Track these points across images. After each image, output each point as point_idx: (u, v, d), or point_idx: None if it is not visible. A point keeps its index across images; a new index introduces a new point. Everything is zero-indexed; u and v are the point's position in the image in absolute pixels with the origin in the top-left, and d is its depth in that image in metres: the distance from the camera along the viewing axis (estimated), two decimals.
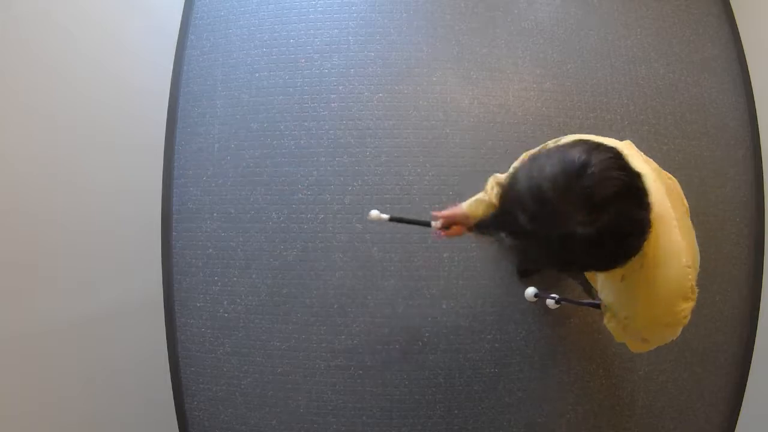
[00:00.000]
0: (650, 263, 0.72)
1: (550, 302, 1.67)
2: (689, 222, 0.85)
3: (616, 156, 0.62)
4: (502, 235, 0.70)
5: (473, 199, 1.19)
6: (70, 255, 1.32)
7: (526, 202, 0.61)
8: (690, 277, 0.74)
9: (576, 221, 0.58)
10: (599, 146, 0.62)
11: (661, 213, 0.73)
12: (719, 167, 1.91)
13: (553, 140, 0.88)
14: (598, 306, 1.26)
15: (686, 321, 0.77)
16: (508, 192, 0.66)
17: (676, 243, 0.74)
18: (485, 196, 1.14)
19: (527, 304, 1.79)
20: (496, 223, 0.70)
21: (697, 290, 0.76)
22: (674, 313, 0.76)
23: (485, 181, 1.16)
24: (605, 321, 1.10)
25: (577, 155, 0.60)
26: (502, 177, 1.08)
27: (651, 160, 0.86)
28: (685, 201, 0.89)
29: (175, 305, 1.83)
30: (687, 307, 0.75)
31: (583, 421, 1.79)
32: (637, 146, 0.92)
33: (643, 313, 0.80)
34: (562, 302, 1.64)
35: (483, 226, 0.99)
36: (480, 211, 1.16)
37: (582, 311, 1.80)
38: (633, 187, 0.60)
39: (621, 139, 0.87)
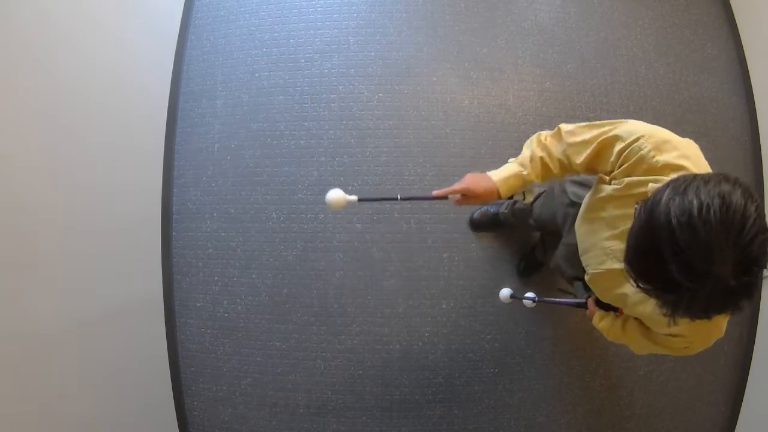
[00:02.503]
0: None
1: (527, 302, 1.56)
2: None
3: (760, 203, 0.60)
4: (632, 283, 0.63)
5: (509, 171, 1.03)
6: (70, 255, 1.32)
7: (685, 249, 0.56)
8: None
9: (730, 273, 0.56)
10: (748, 189, 0.60)
11: None
12: (719, 167, 1.89)
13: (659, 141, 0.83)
14: (582, 305, 1.22)
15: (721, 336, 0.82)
16: (652, 229, 0.59)
17: None
18: (523, 169, 1.01)
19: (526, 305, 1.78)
20: (632, 265, 0.63)
21: None
22: (722, 329, 0.81)
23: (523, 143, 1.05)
24: (595, 320, 1.10)
25: (738, 201, 0.57)
26: (549, 140, 0.99)
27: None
28: None
29: (175, 305, 1.83)
30: (725, 323, 0.80)
31: (583, 421, 1.79)
32: None
33: (704, 335, 0.83)
34: (541, 302, 1.53)
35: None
36: (517, 187, 1.04)
37: (582, 311, 1.79)
38: None
39: None
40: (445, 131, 1.87)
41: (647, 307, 0.88)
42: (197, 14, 1.99)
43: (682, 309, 0.61)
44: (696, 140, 0.90)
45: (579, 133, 0.96)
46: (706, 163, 0.83)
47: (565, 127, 1.00)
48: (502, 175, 1.03)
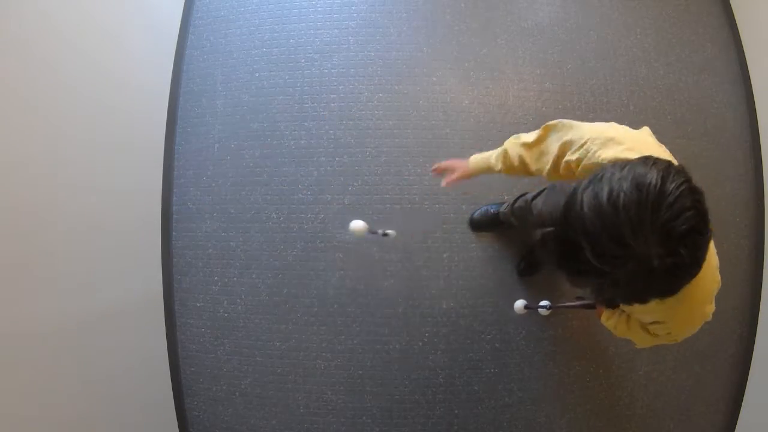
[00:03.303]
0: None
1: (542, 311, 1.63)
2: None
3: (688, 179, 0.59)
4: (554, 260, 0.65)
5: (482, 154, 1.13)
6: (70, 255, 1.32)
7: (595, 235, 0.56)
8: (718, 278, 0.77)
9: (654, 253, 0.55)
10: (671, 168, 0.59)
11: None
12: (719, 167, 1.91)
13: (592, 131, 0.84)
14: (592, 306, 1.25)
15: (710, 317, 0.80)
16: (569, 219, 0.60)
17: (712, 250, 0.73)
18: (497, 162, 1.06)
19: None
20: (558, 257, 0.63)
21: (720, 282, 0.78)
22: (705, 314, 0.79)
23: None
24: (603, 319, 1.11)
25: (653, 180, 0.56)
26: (529, 139, 0.99)
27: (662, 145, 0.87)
28: None
29: (175, 305, 1.83)
30: (713, 306, 0.78)
31: (583, 421, 1.79)
32: None
33: (681, 320, 0.82)
34: (555, 308, 1.61)
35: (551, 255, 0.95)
36: (482, 168, 1.13)
37: (583, 312, 1.79)
38: (703, 213, 0.58)
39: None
40: (445, 131, 1.87)
41: (648, 313, 0.88)
42: (197, 14, 1.99)
43: (607, 293, 0.61)
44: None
45: (537, 143, 0.98)
46: (660, 149, 0.80)
47: (526, 138, 1.01)
48: (476, 155, 1.14)
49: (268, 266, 1.82)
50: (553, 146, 0.91)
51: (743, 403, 1.84)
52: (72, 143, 1.33)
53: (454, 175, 1.19)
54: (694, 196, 0.57)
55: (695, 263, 0.58)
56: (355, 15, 1.94)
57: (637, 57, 1.97)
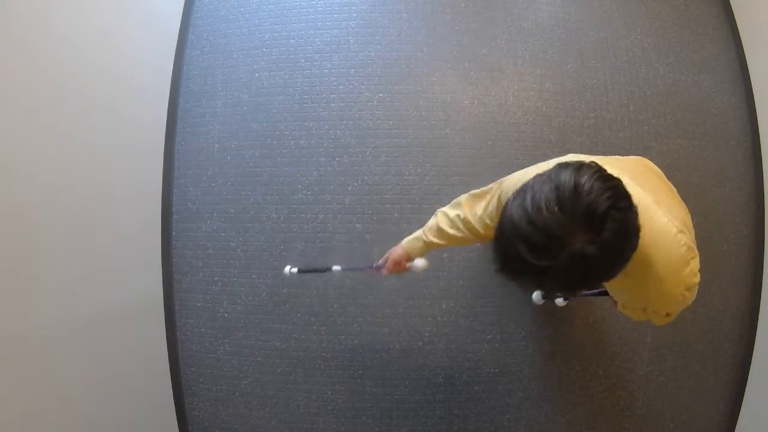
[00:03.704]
0: (642, 252, 0.73)
1: (559, 301, 1.69)
2: (667, 184, 0.89)
3: (599, 169, 0.64)
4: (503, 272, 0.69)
5: (413, 235, 1.23)
6: (70, 255, 1.32)
7: (525, 235, 0.61)
8: (683, 242, 0.77)
9: (582, 240, 0.60)
10: (582, 164, 0.65)
11: (637, 202, 0.75)
12: (719, 167, 1.91)
13: (517, 174, 0.93)
14: (606, 293, 1.27)
15: (698, 279, 0.80)
16: (503, 229, 0.65)
17: (659, 222, 0.76)
18: (423, 235, 1.18)
19: (527, 304, 1.79)
20: (499, 263, 0.69)
21: (695, 248, 0.79)
22: (683, 280, 0.79)
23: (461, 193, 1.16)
24: (619, 308, 1.11)
25: (566, 178, 0.62)
26: (471, 210, 1.10)
27: (622, 157, 0.92)
28: (655, 167, 0.96)
29: (175, 305, 1.83)
30: (692, 268, 0.78)
31: (583, 421, 1.79)
32: (636, 146, 0.93)
33: (657, 296, 0.83)
34: (571, 297, 1.65)
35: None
36: (418, 248, 1.21)
37: (583, 311, 1.80)
38: (622, 194, 0.63)
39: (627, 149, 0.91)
40: (445, 131, 1.87)
41: (619, 295, 0.96)
42: (197, 14, 1.99)
43: (549, 285, 0.67)
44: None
45: (476, 202, 1.07)
46: (579, 156, 0.85)
47: (466, 209, 1.10)
48: (408, 238, 1.24)
49: (268, 266, 1.81)
50: (486, 202, 1.05)
51: (743, 403, 1.84)
52: (72, 143, 1.33)
53: (389, 264, 1.26)
54: (607, 182, 0.63)
55: (623, 237, 0.62)
56: (355, 15, 1.94)
57: (637, 57, 1.97)
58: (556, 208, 0.60)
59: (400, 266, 1.25)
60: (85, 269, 1.39)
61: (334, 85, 1.89)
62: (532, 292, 1.78)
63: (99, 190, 1.46)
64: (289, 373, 1.78)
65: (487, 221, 1.05)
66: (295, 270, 1.31)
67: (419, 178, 1.83)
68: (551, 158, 0.91)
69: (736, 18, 2.06)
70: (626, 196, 0.64)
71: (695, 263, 0.79)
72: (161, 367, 1.78)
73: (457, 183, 1.83)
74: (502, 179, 1.00)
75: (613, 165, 0.81)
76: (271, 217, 1.84)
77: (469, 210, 1.09)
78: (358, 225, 1.81)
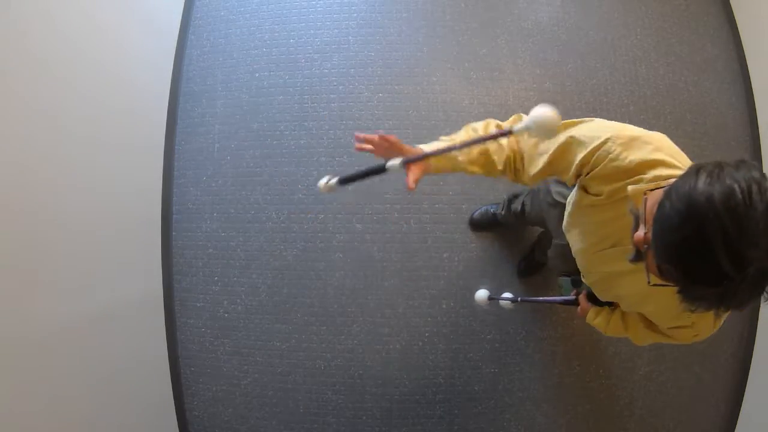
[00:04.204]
0: None
1: (504, 303, 1.53)
2: None
3: None
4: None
5: (440, 146, 0.96)
6: (70, 255, 1.32)
7: (732, 238, 0.51)
8: None
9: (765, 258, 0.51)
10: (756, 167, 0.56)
11: None
12: None
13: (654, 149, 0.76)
14: (572, 302, 1.17)
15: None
16: (694, 220, 0.53)
17: None
18: (458, 153, 0.92)
19: (527, 304, 1.79)
20: (671, 262, 0.56)
21: None
22: (717, 324, 0.78)
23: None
24: (589, 318, 1.07)
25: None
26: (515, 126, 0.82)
27: None
28: None
29: (175, 305, 1.83)
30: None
31: (583, 421, 1.79)
32: None
33: (707, 323, 0.80)
34: (524, 302, 1.50)
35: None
36: (448, 166, 0.95)
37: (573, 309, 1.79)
38: None
39: None
40: (445, 131, 1.85)
41: (649, 304, 0.86)
42: (197, 14, 1.99)
43: (726, 302, 0.56)
44: (696, 140, 0.90)
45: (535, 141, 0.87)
46: (681, 153, 0.77)
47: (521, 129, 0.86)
48: (435, 147, 0.94)
49: (268, 266, 1.82)
50: (550, 144, 0.84)
51: (743, 403, 1.84)
52: (72, 143, 1.33)
53: (415, 174, 0.96)
54: None
55: None
56: (355, 15, 1.94)
57: (637, 57, 1.97)
58: (764, 212, 0.51)
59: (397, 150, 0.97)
60: (85, 269, 1.39)
61: (334, 85, 1.89)
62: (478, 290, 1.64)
63: (99, 190, 1.46)
64: (289, 373, 1.78)
65: (528, 156, 0.87)
66: (334, 181, 0.96)
67: None
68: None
69: (736, 18, 2.06)
70: None
71: None
72: (161, 367, 1.78)
73: (457, 183, 1.83)
74: (574, 120, 0.84)
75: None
76: (271, 217, 1.84)
77: (513, 142, 0.90)
78: (358, 225, 1.81)
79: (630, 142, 0.75)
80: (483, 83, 1.90)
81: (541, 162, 0.86)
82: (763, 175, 0.54)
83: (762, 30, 1.95)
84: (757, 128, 1.95)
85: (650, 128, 0.83)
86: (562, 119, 0.80)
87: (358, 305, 1.79)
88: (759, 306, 1.93)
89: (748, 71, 1.99)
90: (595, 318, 1.06)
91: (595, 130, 0.80)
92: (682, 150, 0.81)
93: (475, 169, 0.94)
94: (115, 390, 1.48)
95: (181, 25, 1.96)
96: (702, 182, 0.54)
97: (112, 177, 1.53)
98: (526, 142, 0.90)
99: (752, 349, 1.85)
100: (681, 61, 1.98)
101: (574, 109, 1.90)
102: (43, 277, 1.21)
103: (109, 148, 1.50)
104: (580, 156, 0.79)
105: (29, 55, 1.16)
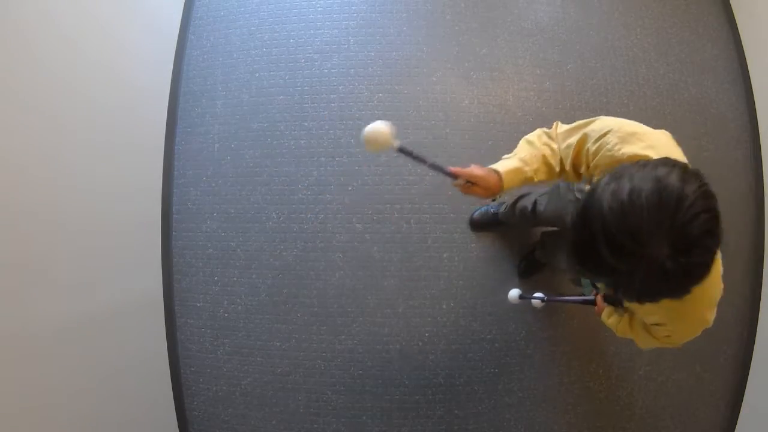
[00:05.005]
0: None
1: (535, 302, 1.59)
2: None
3: (705, 183, 0.60)
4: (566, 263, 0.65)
5: (511, 166, 0.99)
6: (70, 255, 1.32)
7: (610, 226, 0.57)
8: (721, 285, 0.77)
9: (666, 255, 0.56)
10: (688, 171, 0.60)
11: None
12: (719, 167, 1.91)
13: (599, 125, 0.84)
14: (591, 302, 1.23)
15: (711, 324, 0.80)
16: (586, 213, 0.60)
17: (717, 255, 0.72)
18: (524, 165, 0.97)
19: (527, 304, 1.78)
20: (571, 250, 0.63)
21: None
22: (707, 320, 0.79)
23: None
24: (603, 317, 1.10)
25: (673, 183, 0.57)
26: (557, 133, 0.96)
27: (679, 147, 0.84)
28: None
29: (175, 305, 1.83)
30: (714, 310, 0.79)
31: (583, 421, 1.79)
32: None
33: (684, 325, 0.82)
34: (551, 301, 1.56)
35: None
36: (517, 182, 1.00)
37: (583, 311, 1.79)
38: (719, 219, 0.59)
39: None
40: (445, 131, 1.87)
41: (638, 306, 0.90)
42: (197, 14, 1.99)
43: (620, 291, 0.62)
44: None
45: (568, 136, 0.94)
46: (677, 151, 0.79)
47: (560, 127, 0.99)
48: (506, 167, 1.00)
49: (268, 266, 1.81)
50: (572, 141, 0.91)
51: (743, 403, 1.84)
52: (72, 143, 1.33)
53: (481, 191, 1.07)
54: (709, 200, 0.58)
55: (706, 265, 0.59)
56: (355, 15, 1.94)
57: (637, 57, 1.97)
58: (654, 213, 0.56)
59: (480, 191, 1.05)
60: (85, 269, 1.39)
61: (334, 85, 1.89)
62: (509, 290, 1.68)
63: (99, 190, 1.46)
64: (289, 373, 1.78)
65: (563, 154, 0.94)
66: (397, 143, 0.97)
67: (419, 178, 1.83)
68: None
69: (736, 18, 2.06)
70: (719, 221, 0.59)
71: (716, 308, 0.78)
72: (161, 367, 1.78)
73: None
74: (593, 118, 0.90)
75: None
76: (271, 217, 1.84)
77: (556, 138, 0.98)
78: (358, 225, 1.81)
79: (627, 137, 0.79)
80: (483, 83, 1.90)
81: (569, 158, 0.93)
82: (675, 170, 0.58)
83: (762, 30, 1.95)
84: (757, 128, 1.95)
85: (650, 128, 0.84)
86: (564, 121, 0.90)
87: (358, 305, 1.79)
88: (759, 306, 1.93)
89: (748, 71, 1.99)
90: (609, 318, 1.10)
91: (603, 125, 0.85)
92: (682, 150, 0.82)
93: (541, 176, 1.00)
94: (115, 390, 1.48)
95: (181, 25, 1.96)
96: (603, 182, 0.60)
97: (112, 177, 1.53)
98: (560, 144, 0.96)
99: (752, 349, 1.85)
100: (681, 61, 1.98)
101: (573, 109, 1.90)
102: (43, 277, 1.21)
103: (109, 148, 1.50)
104: (588, 147, 0.86)
105: (29, 55, 1.16)
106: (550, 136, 1.00)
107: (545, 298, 1.55)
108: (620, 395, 1.81)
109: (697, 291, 0.66)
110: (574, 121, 0.94)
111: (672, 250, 0.56)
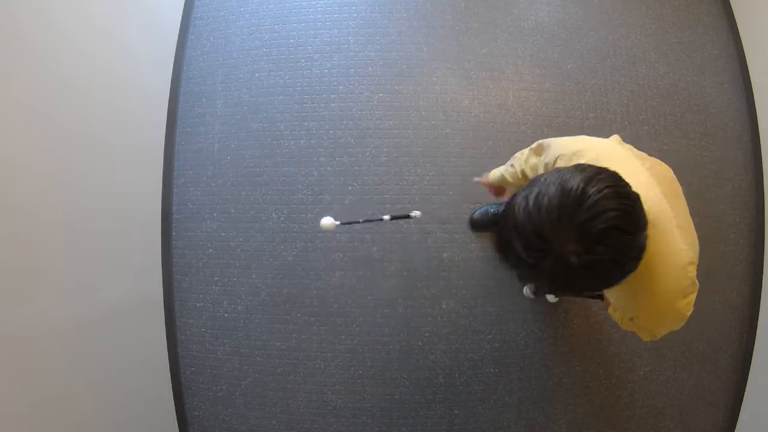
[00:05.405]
0: (645, 271, 0.73)
1: (550, 297, 1.67)
2: (684, 204, 0.85)
3: (615, 184, 0.63)
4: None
5: (499, 172, 1.21)
6: (70, 255, 1.32)
7: (521, 230, 0.63)
8: (690, 274, 0.76)
9: (570, 251, 0.61)
10: (598, 174, 0.64)
11: (658, 219, 0.74)
12: (719, 167, 1.91)
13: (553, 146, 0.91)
14: (600, 297, 1.27)
15: (690, 312, 0.80)
16: (506, 216, 0.67)
17: (675, 246, 0.74)
18: (512, 170, 1.14)
19: (527, 304, 1.79)
20: (497, 246, 0.71)
21: (697, 282, 0.78)
22: (676, 310, 0.78)
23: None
24: (610, 310, 1.11)
25: (575, 185, 0.61)
26: (521, 158, 1.08)
27: (641, 152, 0.88)
28: (676, 180, 0.91)
29: (175, 305, 1.83)
30: (688, 300, 0.78)
31: (583, 421, 1.79)
32: (636, 146, 0.92)
33: (647, 314, 0.83)
34: (563, 296, 1.65)
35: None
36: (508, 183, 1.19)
37: (583, 311, 1.80)
38: (630, 216, 0.62)
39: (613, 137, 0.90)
40: (445, 131, 1.87)
41: (613, 298, 0.95)
42: (197, 14, 1.99)
43: (533, 280, 0.72)
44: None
45: (530, 156, 1.03)
46: (628, 159, 0.82)
47: (520, 155, 1.09)
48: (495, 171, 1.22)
49: (268, 266, 1.81)
50: (539, 166, 0.98)
51: (743, 403, 1.84)
52: (72, 143, 1.33)
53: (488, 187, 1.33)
54: (619, 199, 0.61)
55: (620, 260, 0.62)
56: (355, 15, 1.94)
57: (637, 57, 1.97)
58: (554, 213, 0.61)
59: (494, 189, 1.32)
60: (85, 269, 1.39)
61: (334, 85, 1.89)
62: (523, 286, 1.79)
63: (99, 190, 1.46)
64: (289, 373, 1.78)
65: (528, 173, 1.05)
66: (337, 222, 1.10)
67: (419, 178, 1.83)
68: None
69: (736, 18, 2.06)
70: (637, 219, 0.63)
71: (693, 297, 0.78)
72: (161, 367, 1.78)
73: (458, 183, 1.83)
74: (550, 142, 0.97)
75: (651, 170, 0.80)
76: (271, 217, 1.84)
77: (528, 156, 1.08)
78: (358, 225, 1.81)
79: (571, 157, 0.84)
80: (483, 83, 1.90)
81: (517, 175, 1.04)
82: (579, 173, 0.63)
83: (762, 30, 1.95)
84: (757, 128, 1.95)
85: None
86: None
87: (358, 305, 1.79)
88: (759, 306, 1.93)
89: (748, 71, 1.99)
90: (615, 312, 1.11)
91: (555, 149, 0.91)
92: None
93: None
94: (115, 390, 1.48)
95: (181, 25, 1.96)
96: (520, 189, 0.67)
97: (112, 177, 1.53)
98: (527, 165, 1.05)
99: (752, 349, 1.85)
100: (681, 61, 1.98)
101: (573, 109, 1.90)
102: (43, 277, 1.21)
103: (108, 148, 1.50)
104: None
105: (29, 55, 1.16)
106: (527, 153, 1.09)
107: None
108: (620, 395, 1.81)
109: (653, 282, 0.75)
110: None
111: (575, 246, 0.60)
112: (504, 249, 0.69)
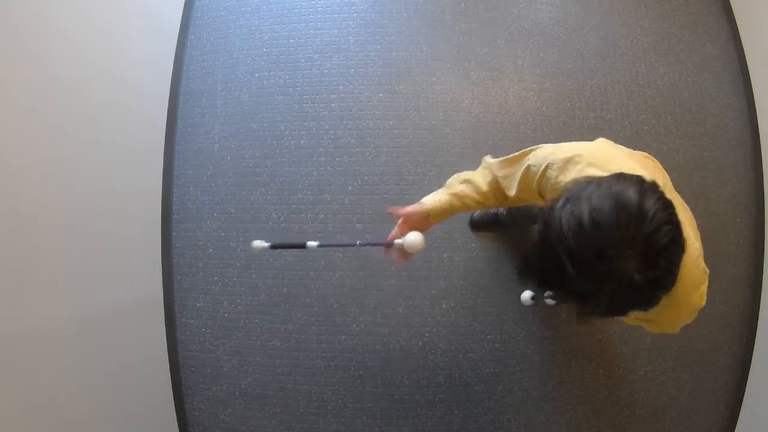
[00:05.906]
0: None
1: (549, 301, 1.66)
2: (677, 195, 0.85)
3: (662, 194, 0.61)
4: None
5: (438, 197, 1.09)
6: (70, 255, 1.32)
7: (574, 248, 0.58)
8: (701, 265, 0.78)
9: (632, 268, 0.57)
10: (643, 183, 0.61)
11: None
12: (719, 167, 1.91)
13: (556, 151, 0.85)
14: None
15: (704, 302, 0.80)
16: (548, 238, 0.61)
17: (690, 245, 0.74)
18: (468, 189, 1.04)
19: (527, 304, 1.79)
20: (538, 275, 0.65)
21: (707, 270, 0.79)
22: (692, 304, 0.79)
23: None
24: None
25: (632, 196, 0.58)
26: (494, 164, 1.01)
27: (627, 149, 0.87)
28: (665, 172, 0.91)
29: (175, 305, 1.83)
30: (701, 291, 0.79)
31: (583, 421, 1.79)
32: (636, 146, 0.92)
33: (665, 311, 0.82)
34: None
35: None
36: (447, 213, 1.08)
37: None
38: (679, 227, 0.60)
39: (615, 138, 0.89)
40: (445, 131, 1.87)
41: None
42: (197, 14, 1.99)
43: (590, 308, 0.61)
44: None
45: (504, 167, 0.98)
46: (619, 159, 0.80)
47: (491, 160, 1.04)
48: (432, 199, 1.09)
49: (268, 266, 1.81)
50: (517, 173, 0.94)
51: (743, 403, 1.84)
52: (72, 143, 1.33)
53: (401, 224, 1.13)
54: (668, 210, 0.60)
55: (672, 273, 0.61)
56: (355, 15, 1.94)
57: (637, 57, 1.97)
58: (615, 230, 0.57)
59: (415, 225, 1.11)
60: (85, 269, 1.39)
61: (334, 85, 1.89)
62: (521, 292, 1.78)
63: (99, 190, 1.46)
64: (289, 373, 1.78)
65: (503, 183, 0.99)
66: (267, 244, 1.12)
67: (419, 178, 1.83)
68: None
69: (736, 18, 2.06)
70: (680, 229, 0.61)
71: (705, 287, 0.79)
72: (161, 367, 1.78)
73: None
74: (533, 147, 0.92)
75: (645, 167, 0.79)
76: (271, 217, 1.84)
77: (488, 172, 1.02)
78: (358, 225, 1.81)
79: (564, 165, 0.80)
80: (483, 83, 1.90)
81: (514, 187, 0.95)
82: (631, 185, 0.60)
83: (762, 30, 1.95)
84: (757, 128, 1.95)
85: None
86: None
87: (358, 305, 1.79)
88: (759, 306, 1.93)
89: (748, 71, 1.99)
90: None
91: (541, 157, 0.86)
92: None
93: (473, 205, 1.06)
94: (115, 390, 1.48)
95: (181, 25, 1.96)
96: (559, 204, 0.61)
97: (112, 177, 1.53)
98: (500, 173, 1.00)
99: (752, 349, 1.85)
100: (681, 61, 1.98)
101: (574, 108, 1.90)
102: (43, 277, 1.21)
103: (108, 148, 1.51)
104: (535, 181, 0.88)
105: (28, 55, 1.16)
106: (473, 173, 1.06)
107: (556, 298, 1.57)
108: (620, 395, 1.81)
109: (676, 287, 0.68)
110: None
111: (639, 264, 0.57)
112: (547, 275, 0.63)
